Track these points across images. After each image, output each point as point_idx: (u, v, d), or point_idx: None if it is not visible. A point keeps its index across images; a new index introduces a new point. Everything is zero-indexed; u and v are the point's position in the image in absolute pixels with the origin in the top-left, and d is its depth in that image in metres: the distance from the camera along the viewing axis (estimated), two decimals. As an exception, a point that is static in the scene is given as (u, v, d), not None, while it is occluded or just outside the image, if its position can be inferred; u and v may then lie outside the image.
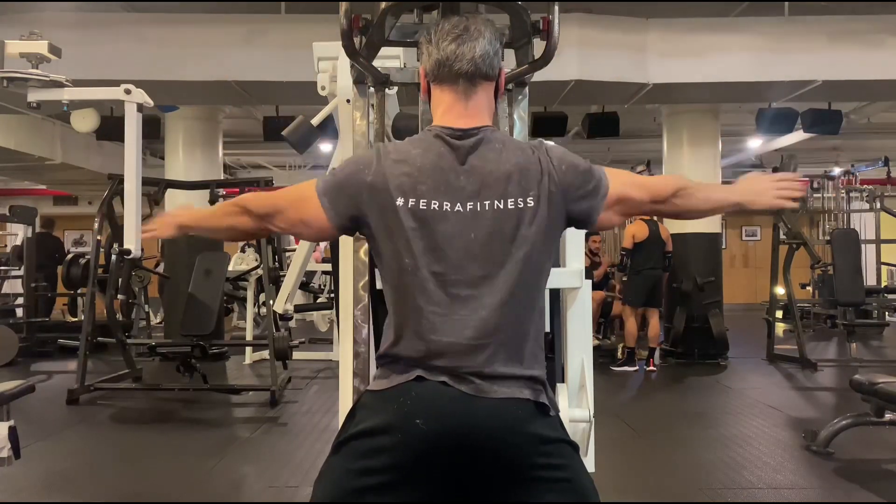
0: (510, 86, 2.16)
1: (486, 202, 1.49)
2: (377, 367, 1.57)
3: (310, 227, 1.60)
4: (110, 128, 7.16)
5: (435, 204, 1.49)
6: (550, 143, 1.63)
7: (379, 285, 1.89)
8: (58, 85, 5.36)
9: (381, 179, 1.52)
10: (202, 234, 1.83)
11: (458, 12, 1.88)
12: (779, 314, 10.28)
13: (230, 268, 8.34)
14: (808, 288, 12.71)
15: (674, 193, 1.66)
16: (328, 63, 3.08)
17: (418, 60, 1.67)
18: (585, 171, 1.58)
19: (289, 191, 1.66)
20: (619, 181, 1.62)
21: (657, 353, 8.23)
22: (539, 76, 2.10)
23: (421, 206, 1.49)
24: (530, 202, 1.50)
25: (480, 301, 1.48)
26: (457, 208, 1.49)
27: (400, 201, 1.49)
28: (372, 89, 2.22)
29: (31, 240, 9.62)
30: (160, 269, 9.66)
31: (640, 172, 11.24)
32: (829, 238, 9.32)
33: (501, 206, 1.49)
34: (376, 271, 1.64)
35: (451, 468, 1.43)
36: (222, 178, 9.95)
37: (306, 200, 1.57)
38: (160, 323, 10.52)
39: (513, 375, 1.48)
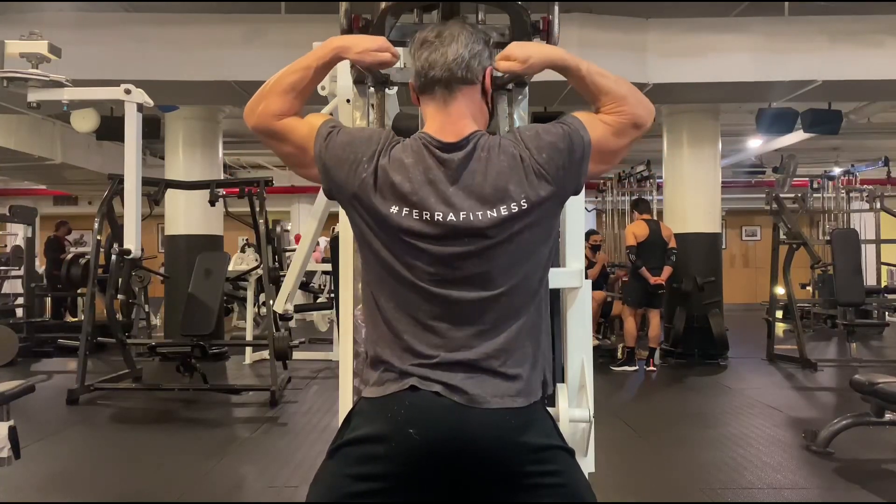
0: (510, 86, 2.16)
1: (478, 213, 1.47)
2: (372, 371, 1.56)
3: (304, 173, 1.62)
4: (110, 128, 7.16)
5: (427, 215, 1.47)
6: (525, 127, 1.59)
7: None
8: (58, 85, 5.35)
9: (373, 182, 1.49)
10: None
11: (458, 12, 1.88)
12: (779, 314, 10.29)
13: (230, 268, 8.34)
14: (808, 288, 12.72)
15: (609, 117, 1.59)
16: (328, 63, 3.07)
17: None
18: (567, 146, 1.52)
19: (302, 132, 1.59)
20: (597, 135, 1.57)
21: (657, 354, 8.23)
22: (539, 76, 2.08)
23: (414, 216, 1.47)
24: (524, 204, 1.48)
25: (474, 307, 1.48)
26: (449, 218, 1.47)
27: (394, 209, 1.48)
28: (372, 89, 2.22)
29: (31, 240, 9.63)
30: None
31: (639, 172, 11.30)
32: (829, 238, 9.32)
33: (493, 215, 1.47)
34: None
35: (443, 477, 1.44)
36: (222, 177, 9.95)
37: (307, 153, 1.58)
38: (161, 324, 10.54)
39: (508, 378, 1.48)
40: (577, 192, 1.59)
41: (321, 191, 1.64)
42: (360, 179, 1.50)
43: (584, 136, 1.54)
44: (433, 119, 1.56)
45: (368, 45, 1.61)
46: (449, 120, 1.54)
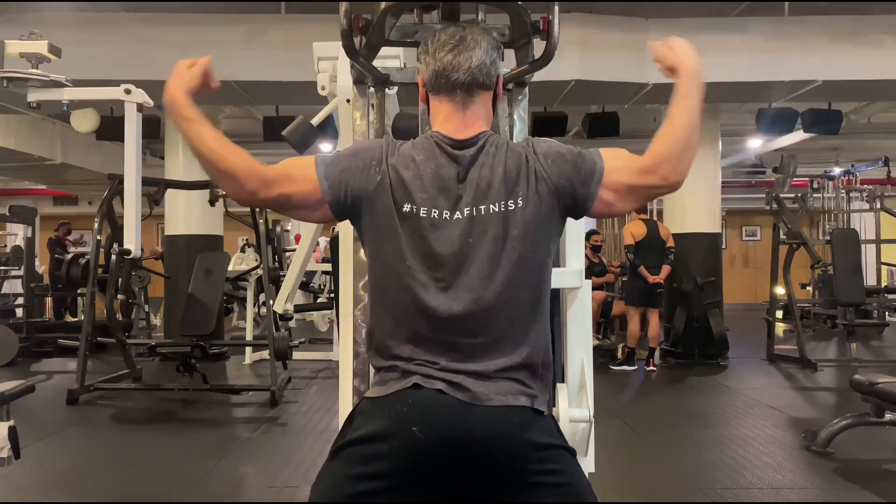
0: (510, 86, 2.16)
1: (481, 207, 1.50)
2: (375, 373, 1.57)
3: (307, 211, 1.59)
4: (110, 128, 7.15)
5: (435, 212, 1.50)
6: (540, 138, 1.62)
7: None
8: (58, 85, 5.36)
9: (386, 181, 1.52)
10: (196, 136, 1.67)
11: (458, 13, 1.88)
12: (779, 314, 10.29)
13: (230, 268, 8.34)
14: (808, 288, 12.72)
15: (656, 164, 1.57)
16: (328, 63, 3.07)
17: (418, 61, 1.68)
18: (574, 159, 1.55)
19: (286, 169, 1.59)
20: (615, 165, 1.56)
21: (657, 353, 8.23)
22: (539, 76, 2.10)
23: (422, 213, 1.50)
24: (520, 202, 1.50)
25: (478, 305, 1.49)
26: (455, 216, 1.50)
27: (406, 207, 1.50)
28: (372, 89, 2.22)
29: (31, 240, 9.63)
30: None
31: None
32: (829, 238, 9.32)
33: (495, 210, 1.50)
34: None
35: (446, 475, 1.44)
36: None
37: (306, 181, 1.55)
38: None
39: (511, 378, 1.48)
40: (577, 213, 1.58)
41: None
42: (376, 182, 1.52)
43: (597, 160, 1.56)
44: (448, 120, 1.59)
45: (176, 77, 1.67)
46: (464, 122, 1.58)
